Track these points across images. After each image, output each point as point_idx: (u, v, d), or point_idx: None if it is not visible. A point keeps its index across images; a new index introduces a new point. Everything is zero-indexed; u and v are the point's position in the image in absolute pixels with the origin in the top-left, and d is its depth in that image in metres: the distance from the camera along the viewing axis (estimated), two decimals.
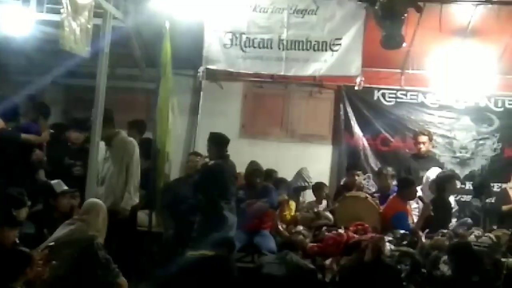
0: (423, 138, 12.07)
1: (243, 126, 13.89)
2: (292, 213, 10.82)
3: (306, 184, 11.71)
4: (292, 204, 11.01)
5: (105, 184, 10.01)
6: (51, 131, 11.16)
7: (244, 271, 8.49)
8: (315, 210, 11.11)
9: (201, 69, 11.96)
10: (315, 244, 9.42)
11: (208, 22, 11.85)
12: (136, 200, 10.03)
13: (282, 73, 12.02)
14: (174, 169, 11.91)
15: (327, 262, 8.84)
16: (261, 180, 10.55)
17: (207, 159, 10.32)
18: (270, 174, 11.43)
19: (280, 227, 10.18)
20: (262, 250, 9.52)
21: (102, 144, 10.12)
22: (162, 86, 10.61)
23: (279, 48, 11.75)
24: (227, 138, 9.96)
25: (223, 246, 8.46)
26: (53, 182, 9.16)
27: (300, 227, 10.11)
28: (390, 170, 11.65)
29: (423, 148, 12.06)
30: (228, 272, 7.42)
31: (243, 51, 11.84)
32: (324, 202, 11.65)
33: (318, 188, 11.73)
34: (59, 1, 8.78)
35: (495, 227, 10.62)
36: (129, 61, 13.20)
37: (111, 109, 10.38)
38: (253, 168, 10.56)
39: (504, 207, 11.42)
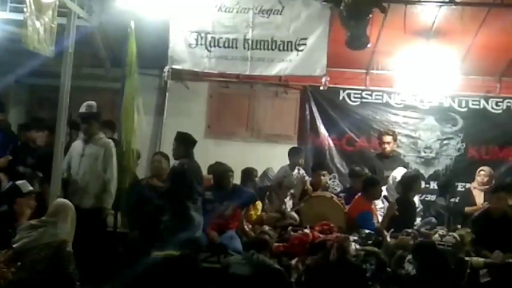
0: (388, 138, 12.13)
1: (208, 126, 13.87)
2: (258, 213, 10.82)
3: (272, 184, 11.72)
4: (259, 204, 11.00)
5: (80, 181, 10.00)
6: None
7: (210, 271, 8.46)
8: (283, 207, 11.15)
9: (166, 69, 11.89)
10: (281, 244, 9.43)
11: (173, 22, 11.78)
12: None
13: (247, 73, 12.00)
14: (139, 169, 11.88)
15: (293, 262, 8.85)
16: (230, 181, 10.51)
17: None
18: (250, 172, 11.45)
19: (246, 227, 10.17)
20: (228, 250, 9.50)
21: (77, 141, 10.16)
22: (127, 85, 10.54)
23: (245, 48, 11.73)
24: (194, 138, 9.92)
25: (189, 246, 8.44)
26: (18, 182, 9.04)
27: (266, 227, 10.11)
28: (366, 171, 11.64)
29: (388, 148, 12.13)
30: (194, 273, 7.39)
31: (208, 50, 11.80)
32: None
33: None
34: (23, 0, 8.68)
35: (459, 226, 10.70)
36: (94, 60, 13.13)
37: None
38: (225, 169, 10.51)
39: (467, 209, 11.50)
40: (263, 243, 8.95)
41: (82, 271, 7.57)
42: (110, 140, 10.33)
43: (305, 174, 11.96)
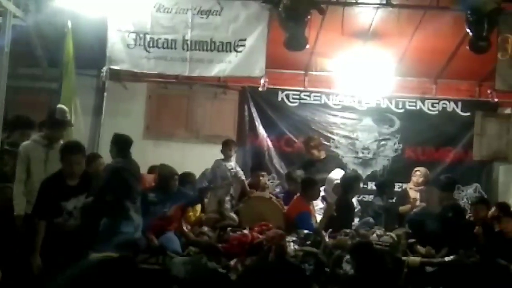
0: (311, 145, 12.19)
1: (147, 127, 13.80)
2: (197, 214, 10.78)
3: (211, 185, 11.71)
4: (197, 205, 10.97)
5: None
6: None
7: (149, 273, 8.41)
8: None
9: (104, 69, 11.80)
10: (220, 245, 9.42)
11: (111, 22, 11.70)
12: None
13: (186, 74, 11.98)
14: None
15: (232, 262, 8.83)
16: (173, 184, 10.42)
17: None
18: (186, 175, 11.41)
19: (185, 228, 10.12)
20: (167, 251, 9.44)
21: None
22: (64, 86, 10.48)
23: (183, 49, 11.70)
24: (131, 139, 9.83)
25: (128, 247, 8.37)
26: None
27: (205, 228, 10.09)
28: (299, 173, 11.74)
29: (316, 153, 12.20)
30: (133, 274, 7.33)
31: (147, 51, 11.75)
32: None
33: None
34: None
35: (396, 226, 10.81)
36: (30, 60, 12.93)
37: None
38: (171, 172, 10.42)
39: (401, 208, 11.65)
40: (215, 250, 8.98)
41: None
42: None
43: (241, 171, 12.00)
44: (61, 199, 7.84)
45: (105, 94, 13.17)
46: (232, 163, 12.00)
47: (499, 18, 10.71)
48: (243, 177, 11.99)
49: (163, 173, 10.38)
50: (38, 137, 9.29)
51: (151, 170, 11.23)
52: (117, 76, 12.65)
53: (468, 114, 13.67)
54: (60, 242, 7.75)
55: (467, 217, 11.65)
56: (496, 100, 12.65)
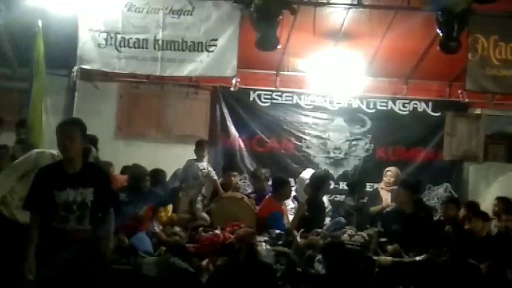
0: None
1: (118, 127, 13.73)
2: (169, 214, 10.75)
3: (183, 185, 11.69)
4: (169, 205, 10.94)
5: None
6: None
7: (121, 273, 8.38)
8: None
9: (75, 68, 11.75)
10: (191, 244, 9.40)
11: (82, 21, 11.64)
12: None
13: (158, 74, 11.96)
14: None
15: (204, 262, 8.82)
16: (145, 184, 10.39)
17: None
18: (157, 173, 11.35)
19: (156, 228, 10.09)
20: (139, 251, 9.41)
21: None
22: (35, 86, 10.37)
23: (155, 49, 11.68)
24: (96, 137, 9.77)
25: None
26: None
27: (177, 228, 10.06)
28: (264, 171, 11.80)
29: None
30: (103, 274, 7.29)
31: (118, 51, 11.71)
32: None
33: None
34: None
35: (367, 226, 10.85)
36: (0, 60, 12.84)
37: None
38: (143, 172, 10.39)
39: (372, 209, 11.69)
40: (180, 248, 8.96)
41: None
42: None
43: (213, 171, 11.99)
44: (56, 188, 6.39)
45: (76, 94, 13.12)
46: (204, 163, 12.00)
47: (469, 18, 10.81)
48: (216, 177, 11.99)
49: (134, 173, 10.36)
50: None
51: (124, 170, 11.19)
52: (88, 75, 12.57)
53: (438, 114, 13.75)
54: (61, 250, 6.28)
55: (437, 216, 11.76)
56: (466, 100, 12.76)
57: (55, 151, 7.79)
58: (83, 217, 6.38)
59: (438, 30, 10.66)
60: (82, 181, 6.44)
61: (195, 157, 11.90)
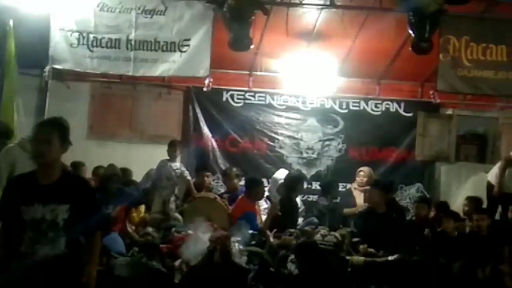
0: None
1: (91, 127, 13.67)
2: (141, 215, 10.72)
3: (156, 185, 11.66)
4: (141, 206, 10.91)
5: None
6: None
7: None
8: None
9: (47, 68, 11.67)
10: (164, 245, 9.38)
11: (54, 21, 11.56)
12: None
13: (130, 74, 11.91)
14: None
15: (176, 263, 8.81)
16: (116, 184, 10.35)
17: None
18: (124, 173, 11.32)
19: (129, 228, 10.06)
20: (111, 252, 9.38)
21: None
22: (6, 85, 10.33)
23: (127, 48, 11.64)
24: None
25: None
26: None
27: (150, 229, 10.03)
28: (235, 170, 11.81)
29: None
30: (76, 274, 7.26)
31: (90, 50, 11.65)
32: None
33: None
34: None
35: (340, 226, 10.88)
36: None
37: None
38: (109, 173, 10.36)
39: (346, 211, 11.72)
40: (153, 248, 8.94)
41: None
42: None
43: (186, 172, 11.97)
44: (24, 202, 5.22)
45: (47, 93, 13.02)
46: (177, 163, 11.97)
47: (441, 19, 10.85)
48: (189, 177, 11.97)
49: (105, 174, 10.34)
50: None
51: (96, 170, 11.14)
52: (60, 75, 12.50)
53: (410, 114, 13.84)
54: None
55: (409, 216, 11.82)
56: (438, 100, 12.80)
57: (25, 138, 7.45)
58: (57, 240, 5.25)
59: (410, 31, 10.70)
60: (56, 195, 5.28)
61: (168, 157, 11.87)
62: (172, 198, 11.64)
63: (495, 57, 11.92)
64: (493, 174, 11.41)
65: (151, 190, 11.42)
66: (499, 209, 11.50)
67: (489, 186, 11.33)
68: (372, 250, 9.44)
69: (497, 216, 11.12)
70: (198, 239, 8.66)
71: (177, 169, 11.90)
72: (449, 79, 12.02)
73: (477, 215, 9.98)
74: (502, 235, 9.64)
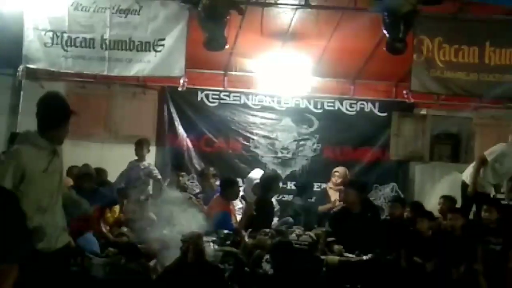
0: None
1: None
2: (116, 215, 10.69)
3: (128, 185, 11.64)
4: (116, 206, 10.88)
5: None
6: None
7: (68, 274, 8.30)
8: None
9: (20, 68, 11.60)
10: (139, 245, 9.36)
11: (27, 20, 11.49)
12: None
13: (105, 73, 11.86)
14: None
15: (151, 263, 8.79)
16: (90, 184, 10.29)
17: None
18: (98, 173, 11.26)
19: (103, 229, 10.03)
20: (86, 252, 9.34)
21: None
22: None
23: (102, 48, 11.59)
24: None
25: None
26: None
27: (125, 229, 10.02)
28: (212, 169, 11.81)
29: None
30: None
31: (64, 50, 11.59)
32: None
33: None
34: None
35: (315, 225, 10.91)
36: None
37: None
38: (83, 172, 10.31)
39: (320, 208, 11.76)
40: (132, 249, 8.93)
41: None
42: None
43: (156, 171, 11.96)
44: None
45: (21, 93, 12.94)
46: (145, 163, 11.95)
47: (415, 20, 10.90)
48: (159, 176, 11.96)
49: (79, 173, 10.30)
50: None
51: (70, 170, 11.08)
52: (34, 75, 12.40)
53: (385, 114, 13.89)
54: None
55: (384, 216, 11.87)
56: (412, 101, 12.88)
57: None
58: None
59: (384, 31, 10.75)
60: None
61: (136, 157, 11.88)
62: (144, 197, 11.62)
63: (467, 59, 12.00)
64: (467, 173, 11.47)
65: (125, 190, 11.41)
66: (474, 208, 11.57)
67: (464, 185, 11.39)
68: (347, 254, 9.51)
69: (471, 216, 11.17)
70: (173, 239, 8.64)
71: (144, 168, 11.88)
72: (423, 79, 12.08)
73: (451, 215, 10.04)
74: (476, 234, 9.73)
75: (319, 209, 11.72)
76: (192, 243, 8.15)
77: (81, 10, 11.57)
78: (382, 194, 13.75)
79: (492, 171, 11.14)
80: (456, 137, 14.48)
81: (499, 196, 11.56)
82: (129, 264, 8.55)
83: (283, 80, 13.29)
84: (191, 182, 13.17)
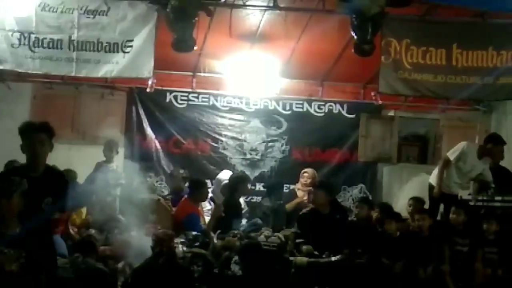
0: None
1: None
2: (83, 217, 10.63)
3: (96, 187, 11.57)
4: (83, 208, 10.81)
5: None
6: None
7: None
8: None
9: None
10: (107, 247, 9.31)
11: None
12: None
13: (73, 74, 11.77)
14: None
15: (120, 265, 8.75)
16: None
17: None
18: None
19: (71, 230, 9.97)
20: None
21: None
22: None
23: (70, 49, 11.50)
24: None
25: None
26: None
27: (92, 231, 9.95)
28: (182, 172, 11.79)
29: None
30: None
31: (32, 51, 11.49)
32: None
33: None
34: None
35: (284, 227, 10.92)
36: None
37: None
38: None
39: (287, 205, 11.77)
40: (89, 246, 8.84)
41: None
42: None
43: (121, 172, 11.92)
44: None
45: None
46: (113, 164, 11.88)
47: (383, 22, 10.95)
48: (123, 181, 11.87)
49: None
50: None
51: None
52: (0, 76, 12.33)
53: (353, 116, 13.97)
54: None
55: (352, 217, 11.91)
56: (380, 102, 12.99)
57: None
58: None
59: (352, 33, 10.78)
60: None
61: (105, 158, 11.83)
62: (111, 199, 11.55)
63: (434, 61, 12.08)
64: (434, 175, 11.56)
65: (92, 191, 11.34)
66: (441, 209, 11.65)
67: (430, 187, 11.46)
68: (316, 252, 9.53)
69: (439, 217, 11.25)
70: (141, 240, 8.61)
71: (112, 170, 11.83)
72: (391, 81, 12.14)
73: (419, 215, 10.09)
74: (443, 235, 9.80)
75: (287, 206, 11.72)
76: (165, 245, 8.13)
77: (49, 10, 11.48)
78: (351, 195, 13.81)
79: (457, 170, 11.20)
80: (424, 138, 14.61)
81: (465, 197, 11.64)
82: (92, 263, 8.49)
83: (252, 82, 13.32)
84: (159, 184, 13.14)
